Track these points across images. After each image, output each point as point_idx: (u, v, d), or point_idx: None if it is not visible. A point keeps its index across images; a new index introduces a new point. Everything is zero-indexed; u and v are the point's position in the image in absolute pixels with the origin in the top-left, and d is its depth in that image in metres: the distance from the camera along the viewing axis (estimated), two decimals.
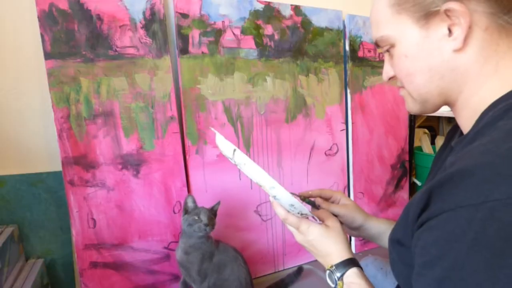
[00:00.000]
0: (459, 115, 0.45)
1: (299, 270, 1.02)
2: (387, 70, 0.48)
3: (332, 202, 0.69)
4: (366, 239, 0.70)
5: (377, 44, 0.47)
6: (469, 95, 0.42)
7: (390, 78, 0.49)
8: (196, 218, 0.80)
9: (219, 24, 0.97)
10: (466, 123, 0.44)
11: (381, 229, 0.66)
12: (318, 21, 1.13)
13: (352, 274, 0.49)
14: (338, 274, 0.50)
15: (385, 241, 0.63)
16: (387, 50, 0.46)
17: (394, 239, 0.46)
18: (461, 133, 0.47)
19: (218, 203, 0.86)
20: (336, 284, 0.50)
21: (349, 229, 0.68)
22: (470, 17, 0.38)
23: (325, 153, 1.17)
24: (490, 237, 0.30)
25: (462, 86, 0.42)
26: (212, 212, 0.84)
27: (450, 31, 0.39)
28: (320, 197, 0.69)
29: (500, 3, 0.38)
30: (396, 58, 0.45)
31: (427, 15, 0.40)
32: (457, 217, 0.32)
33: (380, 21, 0.45)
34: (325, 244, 0.53)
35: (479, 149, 0.35)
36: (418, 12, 0.40)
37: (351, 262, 0.51)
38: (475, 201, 0.31)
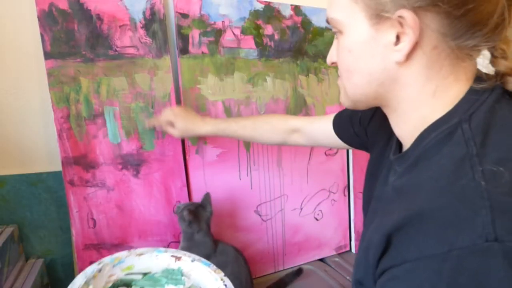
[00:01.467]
0: (397, 125, 0.44)
1: (299, 271, 1.02)
2: (332, 55, 0.45)
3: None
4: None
5: (327, 21, 0.43)
6: (408, 109, 0.40)
7: (332, 63, 0.45)
8: (181, 216, 0.80)
9: (219, 24, 0.97)
10: (404, 136, 0.43)
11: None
12: (318, 21, 1.13)
13: None
14: None
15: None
16: (336, 33, 0.43)
17: (356, 280, 0.45)
18: (398, 141, 0.46)
19: (206, 196, 0.86)
20: None
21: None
22: (420, 31, 0.35)
23: (325, 153, 1.17)
24: (462, 287, 0.28)
25: (399, 98, 0.40)
26: (198, 207, 0.83)
27: (398, 39, 0.36)
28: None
29: (453, 26, 0.35)
30: (341, 48, 0.42)
31: (380, 16, 0.36)
32: (424, 268, 0.31)
33: (335, 0, 0.41)
34: None
35: (431, 185, 0.34)
36: (373, 9, 0.37)
37: None
38: (440, 250, 0.30)
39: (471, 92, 0.37)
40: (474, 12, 0.34)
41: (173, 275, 0.59)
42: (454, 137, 0.35)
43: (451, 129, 0.36)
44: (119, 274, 0.59)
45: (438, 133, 0.37)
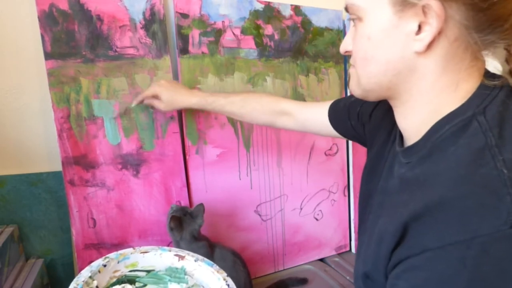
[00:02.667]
0: (404, 117, 0.43)
1: (304, 280, 1.00)
2: (347, 43, 0.44)
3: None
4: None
5: (346, 9, 0.42)
6: (420, 102, 0.40)
7: (346, 52, 0.45)
8: (167, 220, 0.80)
9: (219, 24, 0.97)
10: (410, 128, 0.42)
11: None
12: (318, 21, 1.13)
13: None
14: None
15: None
16: (354, 21, 0.42)
17: (362, 272, 0.44)
18: (401, 134, 0.45)
19: (198, 206, 0.84)
20: None
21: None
22: (443, 23, 0.35)
23: (325, 153, 1.17)
24: (487, 275, 0.28)
25: (414, 89, 0.39)
26: (187, 215, 0.82)
27: (420, 29, 0.36)
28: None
29: (477, 19, 0.34)
30: (359, 36, 0.41)
31: (406, 2, 0.35)
32: (446, 256, 0.30)
33: None
34: None
35: (450, 174, 0.34)
36: None
37: None
38: (464, 237, 0.29)
39: (482, 87, 0.37)
40: (498, 6, 0.33)
41: (177, 274, 0.60)
42: (469, 129, 0.35)
43: (465, 122, 0.36)
44: (123, 270, 0.60)
45: (452, 125, 0.36)
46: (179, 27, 0.92)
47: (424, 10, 0.35)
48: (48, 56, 0.79)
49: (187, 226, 0.81)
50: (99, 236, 0.86)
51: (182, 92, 0.83)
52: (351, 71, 0.45)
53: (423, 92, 0.39)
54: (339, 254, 1.21)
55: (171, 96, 0.81)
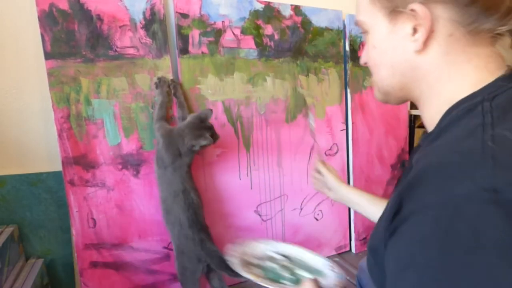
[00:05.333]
0: (423, 113, 0.46)
1: None
2: (363, 56, 0.50)
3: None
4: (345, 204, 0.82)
5: (356, 24, 0.48)
6: (431, 96, 0.43)
7: (365, 64, 0.50)
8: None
9: (219, 24, 0.97)
10: (430, 122, 0.44)
11: (351, 198, 0.76)
12: (318, 21, 1.13)
13: None
14: None
15: (359, 211, 0.76)
16: (364, 34, 0.48)
17: (371, 246, 0.45)
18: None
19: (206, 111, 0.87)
20: None
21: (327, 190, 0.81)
22: (432, 21, 0.38)
23: (325, 153, 1.17)
24: (460, 234, 0.29)
25: (423, 86, 0.43)
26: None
27: (415, 31, 0.40)
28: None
29: (464, 13, 0.37)
30: (368, 46, 0.47)
31: (396, 11, 0.41)
32: (425, 218, 0.31)
33: (360, 5, 0.46)
34: None
35: (442, 147, 0.36)
36: (388, 7, 0.41)
37: None
38: (440, 198, 0.31)
39: (500, 79, 0.38)
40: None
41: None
42: (473, 112, 0.36)
43: (471, 106, 0.37)
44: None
45: (459, 109, 0.38)
46: (179, 27, 0.92)
47: (412, 14, 0.39)
48: (48, 56, 0.79)
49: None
50: (99, 236, 0.86)
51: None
52: (372, 79, 0.50)
53: (431, 86, 0.42)
54: (339, 254, 1.21)
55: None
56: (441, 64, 0.40)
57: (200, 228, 0.83)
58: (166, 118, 0.88)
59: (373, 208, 0.74)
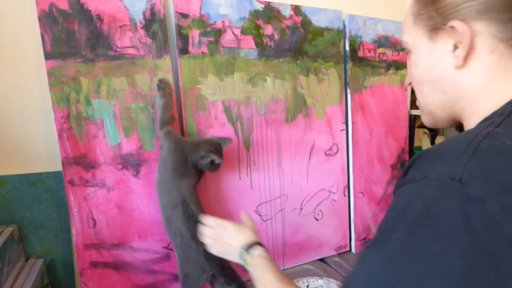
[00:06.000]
0: (466, 127, 0.45)
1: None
2: (408, 75, 0.51)
3: None
4: None
5: (402, 46, 0.50)
6: (473, 114, 0.42)
7: (410, 84, 0.50)
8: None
9: (219, 24, 0.97)
10: None
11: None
12: (318, 21, 1.13)
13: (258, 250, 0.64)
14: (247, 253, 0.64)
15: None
16: (408, 54, 0.49)
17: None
18: None
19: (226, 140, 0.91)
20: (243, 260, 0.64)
21: None
22: (472, 38, 0.39)
23: (325, 153, 1.17)
24: (413, 208, 0.33)
25: (463, 103, 0.43)
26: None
27: (455, 47, 0.41)
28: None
29: (504, 29, 0.38)
30: (411, 65, 0.48)
31: (436, 29, 0.42)
32: (401, 191, 0.36)
33: (404, 26, 0.48)
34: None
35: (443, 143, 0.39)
36: (429, 25, 0.43)
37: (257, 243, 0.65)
38: (416, 178, 0.34)
39: None
40: None
41: None
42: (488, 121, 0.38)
43: (496, 118, 0.38)
44: None
45: (489, 121, 0.38)
46: (179, 27, 0.92)
47: (452, 31, 0.40)
48: (48, 56, 0.79)
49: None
50: (99, 236, 0.86)
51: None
52: (417, 104, 0.51)
53: (471, 102, 0.42)
54: (339, 254, 1.21)
55: None
56: (481, 80, 0.40)
57: None
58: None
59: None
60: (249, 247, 0.66)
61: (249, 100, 1.03)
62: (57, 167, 0.84)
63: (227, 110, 1.00)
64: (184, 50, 0.93)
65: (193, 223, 0.81)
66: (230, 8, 0.99)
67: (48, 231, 0.89)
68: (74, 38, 0.82)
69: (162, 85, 0.88)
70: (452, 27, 0.40)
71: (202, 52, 0.96)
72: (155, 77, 0.90)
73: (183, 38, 0.93)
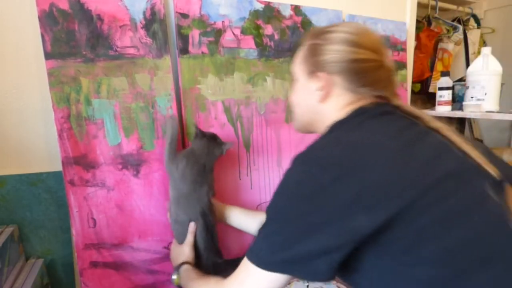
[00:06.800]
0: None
1: None
2: (289, 95, 0.71)
3: None
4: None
5: (291, 72, 0.69)
6: (322, 127, 0.63)
7: (290, 102, 0.72)
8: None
9: (219, 24, 0.98)
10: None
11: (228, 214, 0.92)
12: (318, 21, 1.13)
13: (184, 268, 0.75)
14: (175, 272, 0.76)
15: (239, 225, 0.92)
16: (293, 80, 0.68)
17: None
18: None
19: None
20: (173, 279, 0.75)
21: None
22: (330, 85, 0.60)
23: None
24: (289, 180, 0.57)
25: (320, 122, 0.64)
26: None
27: (321, 88, 0.61)
28: None
29: (350, 83, 0.59)
30: (291, 90, 0.68)
31: (312, 73, 0.62)
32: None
33: (295, 60, 0.66)
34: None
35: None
36: (309, 69, 0.62)
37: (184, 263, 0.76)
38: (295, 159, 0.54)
39: (360, 109, 0.60)
40: (364, 78, 0.59)
41: None
42: (342, 125, 0.61)
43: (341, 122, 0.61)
44: None
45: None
46: (179, 27, 0.92)
47: (320, 78, 0.61)
48: (48, 56, 0.79)
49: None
50: (99, 236, 0.86)
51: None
52: (293, 115, 0.71)
53: (324, 122, 0.63)
54: None
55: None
56: (334, 109, 0.61)
57: (216, 252, 0.84)
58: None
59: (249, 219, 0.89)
60: (177, 269, 0.77)
61: (249, 100, 1.03)
62: (57, 167, 0.84)
63: (227, 110, 1.00)
64: (184, 50, 0.93)
65: (209, 235, 0.81)
66: (230, 8, 0.99)
67: (48, 231, 0.89)
68: (74, 38, 0.82)
69: (171, 121, 0.87)
70: (320, 76, 0.60)
71: (202, 52, 0.96)
72: (155, 77, 0.90)
73: (183, 38, 0.93)
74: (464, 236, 0.42)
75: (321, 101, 0.61)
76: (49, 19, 0.79)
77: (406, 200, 0.43)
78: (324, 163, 0.48)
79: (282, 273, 0.48)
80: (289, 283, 0.99)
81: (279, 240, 0.48)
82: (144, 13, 0.88)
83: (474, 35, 2.08)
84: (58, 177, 0.86)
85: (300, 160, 0.52)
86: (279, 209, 0.52)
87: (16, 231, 0.84)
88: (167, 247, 0.93)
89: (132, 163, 0.88)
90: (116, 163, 0.87)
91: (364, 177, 0.44)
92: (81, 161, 0.83)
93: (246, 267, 0.52)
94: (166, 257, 0.93)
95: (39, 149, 0.87)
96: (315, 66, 0.61)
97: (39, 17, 0.78)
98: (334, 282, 0.99)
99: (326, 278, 0.46)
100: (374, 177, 0.44)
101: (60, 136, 0.81)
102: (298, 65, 0.65)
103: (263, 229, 0.52)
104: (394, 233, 0.43)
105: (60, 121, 0.81)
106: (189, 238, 0.81)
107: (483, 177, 0.48)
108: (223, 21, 0.98)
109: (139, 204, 0.90)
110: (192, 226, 0.81)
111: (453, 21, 2.04)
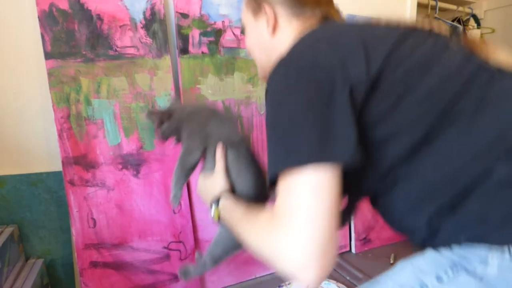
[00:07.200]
0: None
1: None
2: (246, 45, 0.69)
3: None
4: None
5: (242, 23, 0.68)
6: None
7: (247, 51, 0.70)
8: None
9: (219, 24, 0.97)
10: None
11: None
12: None
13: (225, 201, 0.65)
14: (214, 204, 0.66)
15: None
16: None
17: None
18: None
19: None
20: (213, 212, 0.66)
21: None
22: (276, 15, 0.60)
23: None
24: (278, 87, 0.49)
25: (276, 55, 0.59)
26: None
27: (268, 23, 0.60)
28: None
29: (291, 7, 0.60)
30: (245, 37, 0.67)
31: (256, 10, 0.62)
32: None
33: (242, 10, 0.67)
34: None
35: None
36: (251, 9, 0.63)
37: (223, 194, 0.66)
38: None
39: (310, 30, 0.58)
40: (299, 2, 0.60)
41: None
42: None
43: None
44: None
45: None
46: (179, 27, 0.92)
47: (264, 12, 0.60)
48: (48, 55, 0.79)
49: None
50: (99, 236, 0.86)
51: None
52: (257, 65, 0.69)
53: (279, 51, 0.58)
54: (339, 254, 1.21)
55: None
56: (284, 39, 0.59)
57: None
58: None
59: None
60: (215, 201, 0.66)
61: (249, 100, 1.03)
62: (57, 167, 0.84)
63: (227, 110, 1.00)
64: (184, 50, 0.93)
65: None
66: (230, 8, 0.99)
67: (48, 231, 0.89)
68: (74, 38, 0.82)
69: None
70: (263, 9, 0.60)
71: (202, 52, 0.96)
72: (155, 77, 0.90)
73: (183, 38, 0.93)
74: (430, 83, 0.46)
75: (272, 35, 0.61)
76: (49, 19, 0.79)
77: (385, 52, 0.47)
78: (301, 57, 0.50)
79: (317, 162, 0.43)
80: (289, 283, 0.99)
81: (292, 139, 0.45)
82: (144, 13, 0.88)
83: (474, 35, 2.08)
84: (58, 177, 0.86)
85: (278, 67, 0.51)
86: (280, 113, 0.48)
87: (16, 231, 0.84)
88: (167, 247, 0.93)
89: (132, 163, 0.88)
90: (116, 163, 0.87)
91: (343, 49, 0.48)
92: (81, 161, 0.83)
93: (285, 187, 0.45)
94: (166, 257, 0.93)
95: (39, 149, 0.87)
96: (256, 2, 0.63)
97: (39, 17, 0.78)
98: (334, 282, 0.99)
99: (356, 153, 0.44)
100: (351, 45, 0.48)
101: (60, 136, 0.81)
102: (245, 13, 0.66)
103: (270, 143, 0.48)
104: (380, 90, 0.46)
105: (60, 121, 0.81)
106: (220, 164, 0.68)
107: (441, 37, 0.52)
108: (223, 21, 0.98)
109: (139, 204, 0.90)
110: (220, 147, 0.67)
111: (453, 21, 2.04)
